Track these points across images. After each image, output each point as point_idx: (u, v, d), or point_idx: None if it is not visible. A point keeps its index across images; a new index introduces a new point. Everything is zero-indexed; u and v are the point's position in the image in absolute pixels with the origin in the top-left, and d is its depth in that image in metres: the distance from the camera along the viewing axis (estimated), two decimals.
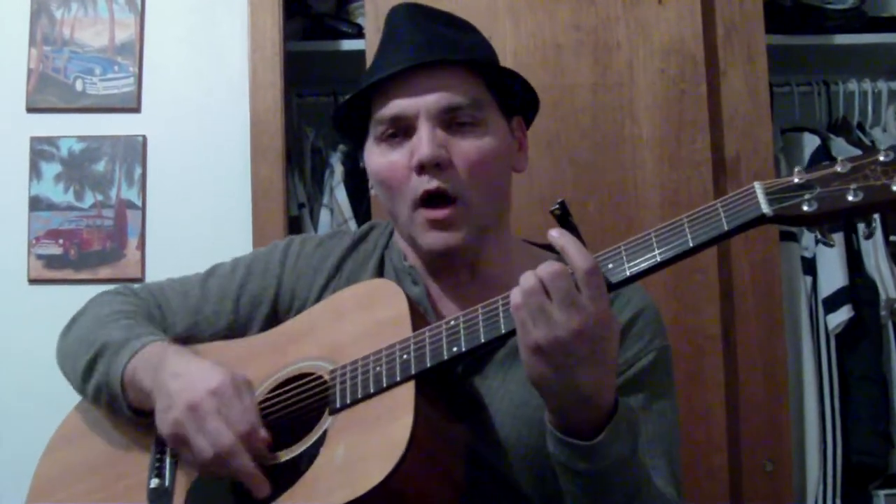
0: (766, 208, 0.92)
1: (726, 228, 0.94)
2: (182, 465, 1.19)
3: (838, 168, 0.91)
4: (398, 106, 1.21)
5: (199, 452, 1.12)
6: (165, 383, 1.17)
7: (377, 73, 1.23)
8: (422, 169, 1.19)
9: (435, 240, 1.21)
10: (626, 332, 1.21)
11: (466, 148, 1.20)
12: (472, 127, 1.21)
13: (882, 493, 2.31)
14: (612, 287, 1.00)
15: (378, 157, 1.24)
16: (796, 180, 0.92)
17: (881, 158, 0.89)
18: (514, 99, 1.29)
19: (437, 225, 1.20)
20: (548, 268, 0.98)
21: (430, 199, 1.20)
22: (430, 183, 1.19)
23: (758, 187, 0.94)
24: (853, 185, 0.90)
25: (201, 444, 1.11)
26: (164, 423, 1.15)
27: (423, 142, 1.18)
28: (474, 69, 1.24)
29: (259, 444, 1.12)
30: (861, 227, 0.94)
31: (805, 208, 0.91)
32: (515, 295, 1.00)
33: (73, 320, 1.38)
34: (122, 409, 1.24)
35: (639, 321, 1.23)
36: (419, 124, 1.20)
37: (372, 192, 1.31)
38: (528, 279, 0.99)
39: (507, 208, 1.31)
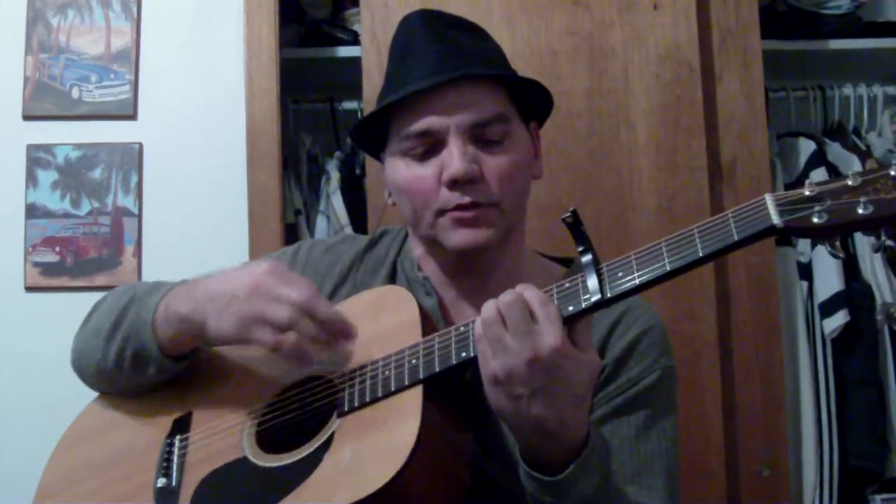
0: (776, 219, 0.92)
1: (736, 238, 0.94)
2: (189, 464, 1.18)
3: (849, 181, 0.91)
4: (428, 122, 1.20)
5: (277, 319, 1.09)
6: (211, 292, 1.14)
7: (402, 85, 1.21)
8: (454, 184, 1.18)
9: (463, 237, 1.20)
10: (631, 351, 1.21)
11: (497, 162, 1.20)
12: (500, 141, 1.21)
13: (879, 497, 2.31)
14: (623, 295, 0.99)
15: (404, 171, 1.23)
16: (807, 192, 0.93)
17: (892, 173, 0.90)
18: (531, 105, 1.29)
19: (465, 223, 1.20)
20: (504, 297, 0.99)
21: (458, 207, 1.20)
22: (462, 198, 1.19)
23: (768, 198, 0.94)
24: (863, 199, 0.89)
25: (277, 311, 1.09)
26: (229, 316, 1.12)
27: (456, 158, 1.18)
28: (499, 79, 1.23)
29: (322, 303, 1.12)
30: (871, 239, 0.94)
31: (815, 220, 0.91)
32: (477, 326, 1.00)
33: (92, 310, 1.35)
34: (151, 358, 1.21)
35: (644, 340, 1.23)
36: (449, 140, 1.19)
37: (389, 200, 1.30)
38: (487, 309, 1.00)
39: (525, 218, 1.31)
